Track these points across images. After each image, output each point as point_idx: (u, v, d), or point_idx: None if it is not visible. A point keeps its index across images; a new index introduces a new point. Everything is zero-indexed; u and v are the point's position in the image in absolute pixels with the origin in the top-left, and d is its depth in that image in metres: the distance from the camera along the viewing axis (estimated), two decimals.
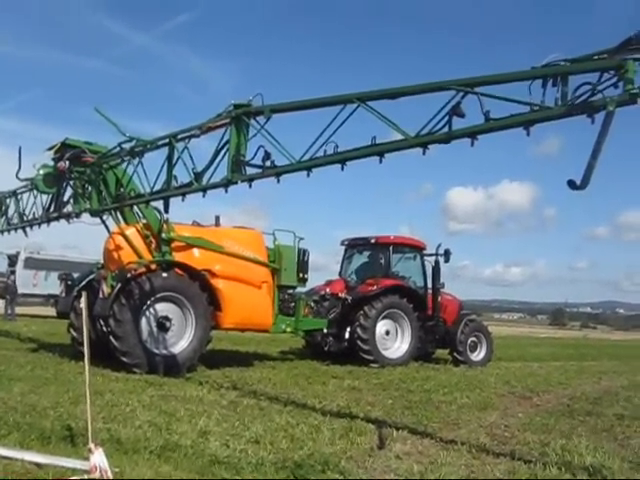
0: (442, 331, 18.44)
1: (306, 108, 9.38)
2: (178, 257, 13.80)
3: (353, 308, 16.92)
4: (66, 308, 14.51)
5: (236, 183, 9.87)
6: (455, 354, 18.40)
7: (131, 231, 13.46)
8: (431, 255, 18.68)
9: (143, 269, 12.93)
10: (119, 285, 12.48)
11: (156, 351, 12.69)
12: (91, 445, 5.39)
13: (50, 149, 12.99)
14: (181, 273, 13.37)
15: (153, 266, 13.19)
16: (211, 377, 11.98)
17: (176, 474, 5.44)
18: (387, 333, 17.13)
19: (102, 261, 14.79)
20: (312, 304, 16.83)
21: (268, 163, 9.35)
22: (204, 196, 10.31)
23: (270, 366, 14.63)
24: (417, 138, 7.71)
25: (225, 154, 9.71)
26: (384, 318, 17.01)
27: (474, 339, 18.80)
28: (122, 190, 12.33)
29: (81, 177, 12.67)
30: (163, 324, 12.90)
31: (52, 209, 13.63)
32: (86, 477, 5.16)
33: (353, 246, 19.38)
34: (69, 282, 14.99)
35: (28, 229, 15.06)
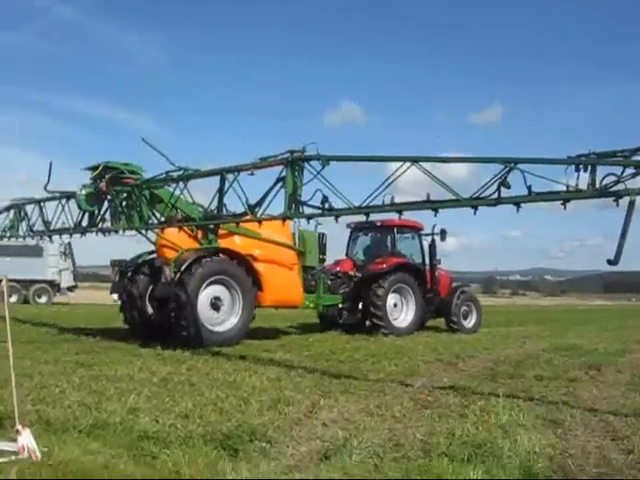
0: (437, 302, 20.40)
1: (361, 160, 11.21)
2: (222, 244, 15.37)
3: (365, 284, 18.90)
4: (120, 290, 16.17)
5: (292, 218, 12.06)
6: (451, 322, 20.53)
7: (174, 232, 14.84)
8: (428, 235, 20.50)
9: (197, 255, 14.36)
10: (180, 270, 13.94)
11: (210, 328, 14.20)
12: (18, 426, 5.43)
13: (89, 169, 14.70)
14: (228, 258, 14.92)
15: (205, 253, 14.67)
16: (142, 355, 12.00)
17: (105, 450, 5.53)
18: (395, 305, 19.09)
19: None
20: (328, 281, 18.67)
21: (326, 205, 10.85)
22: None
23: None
24: (469, 200, 9.14)
25: (279, 190, 11.20)
26: (392, 292, 18.92)
27: (466, 308, 21.05)
28: (174, 211, 14.09)
29: (118, 196, 14.25)
30: (215, 304, 14.50)
31: (87, 224, 15.19)
32: (14, 458, 5.21)
33: (359, 229, 21.11)
34: (121, 269, 16.30)
35: (56, 237, 17.24)
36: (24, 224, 17.66)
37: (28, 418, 6.20)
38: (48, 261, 37.02)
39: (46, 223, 16.71)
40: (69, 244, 37.45)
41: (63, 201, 15.73)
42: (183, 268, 13.94)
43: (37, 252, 35.92)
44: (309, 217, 11.31)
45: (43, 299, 37.17)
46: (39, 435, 5.65)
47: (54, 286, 37.95)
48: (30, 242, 33.98)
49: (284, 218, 11.54)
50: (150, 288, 15.21)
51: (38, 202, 16.89)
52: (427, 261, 20.44)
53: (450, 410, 7.58)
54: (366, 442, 5.89)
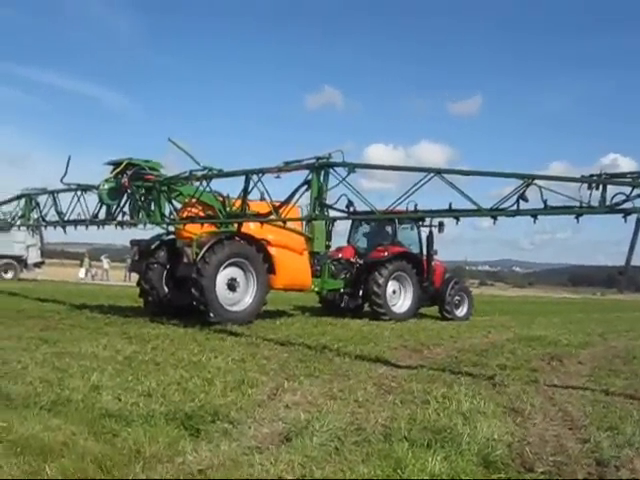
0: (432, 291, 21.13)
1: (386, 169, 12.11)
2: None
3: (366, 271, 19.59)
4: (139, 268, 16.69)
5: (316, 219, 12.88)
6: (444, 311, 21.38)
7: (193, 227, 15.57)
8: (426, 226, 21.03)
9: (218, 237, 15.09)
10: (202, 251, 14.56)
11: (226, 307, 14.98)
12: None
13: (111, 164, 15.36)
14: (244, 242, 15.56)
15: (224, 236, 15.34)
16: (108, 334, 11.93)
17: (66, 427, 5.50)
18: (394, 292, 19.87)
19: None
20: (332, 267, 19.47)
21: (351, 209, 11.74)
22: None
23: (169, 323, 14.64)
24: (490, 211, 9.73)
25: (304, 192, 11.99)
26: (392, 279, 19.63)
27: (458, 297, 21.98)
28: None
29: (138, 191, 15.12)
30: (232, 285, 15.26)
31: (105, 216, 16.14)
32: None
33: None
34: (141, 248, 16.87)
35: (70, 228, 17.42)
36: (35, 213, 18.36)
37: None
38: (15, 236, 36.37)
39: (60, 214, 17.32)
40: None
41: (79, 193, 16.38)
42: (206, 248, 14.60)
43: (4, 227, 35.33)
44: (333, 219, 12.04)
45: (9, 274, 36.69)
46: None
47: (21, 262, 37.45)
48: None
49: (309, 220, 12.21)
50: (167, 269, 16.14)
51: (51, 193, 17.51)
52: (424, 251, 20.97)
53: (413, 396, 7.63)
54: (328, 425, 5.91)
